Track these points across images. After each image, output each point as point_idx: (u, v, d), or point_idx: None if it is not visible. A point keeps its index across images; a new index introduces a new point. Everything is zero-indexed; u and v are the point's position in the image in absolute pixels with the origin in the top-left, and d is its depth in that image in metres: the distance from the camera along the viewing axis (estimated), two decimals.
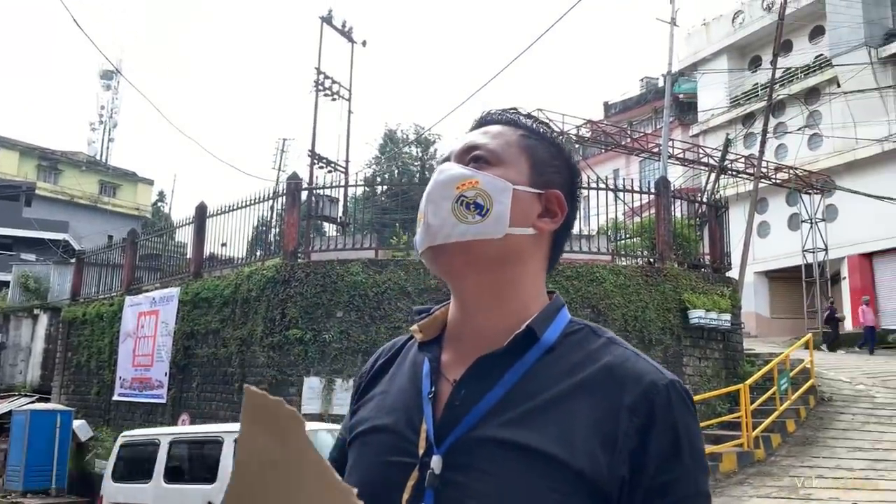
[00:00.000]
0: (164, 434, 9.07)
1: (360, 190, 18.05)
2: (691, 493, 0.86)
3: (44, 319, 22.17)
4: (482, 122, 1.03)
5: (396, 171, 46.57)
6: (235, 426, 9.11)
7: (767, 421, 10.97)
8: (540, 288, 1.01)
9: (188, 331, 13.29)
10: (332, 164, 17.50)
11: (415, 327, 1.00)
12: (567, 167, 1.02)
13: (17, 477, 13.86)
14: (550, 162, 1.00)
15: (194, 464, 8.69)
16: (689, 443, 0.87)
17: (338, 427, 1.16)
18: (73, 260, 27.64)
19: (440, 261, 0.96)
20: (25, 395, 19.57)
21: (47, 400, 17.85)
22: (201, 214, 14.11)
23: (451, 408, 0.91)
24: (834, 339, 20.48)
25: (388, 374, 1.03)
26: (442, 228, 0.94)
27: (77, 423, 14.91)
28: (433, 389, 0.93)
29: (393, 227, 14.35)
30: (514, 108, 1.02)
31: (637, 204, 12.84)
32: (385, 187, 41.91)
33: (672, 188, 13.64)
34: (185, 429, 9.98)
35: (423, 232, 0.96)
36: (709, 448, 10.63)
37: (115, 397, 15.06)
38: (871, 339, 18.94)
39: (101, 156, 48.39)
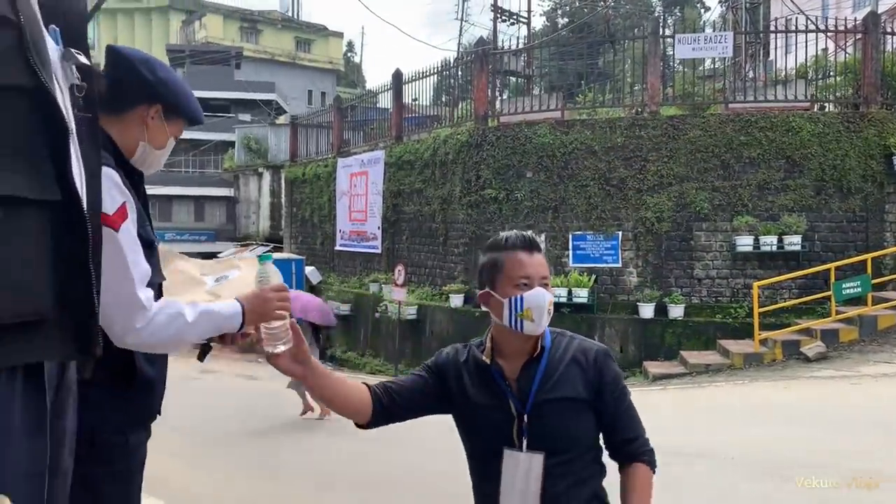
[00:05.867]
0: None
1: (543, 26, 18.04)
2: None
3: (267, 176, 25.06)
4: (534, 248, 1.87)
5: (577, 2, 44.63)
6: None
7: None
8: None
9: (395, 190, 14.76)
10: (515, 17, 17.57)
11: (484, 357, 1.89)
12: None
13: None
14: None
15: None
16: (614, 370, 1.89)
17: None
18: (280, 119, 30.33)
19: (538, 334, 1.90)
20: (261, 244, 22.74)
21: (280, 248, 20.71)
22: (398, 81, 15.10)
23: (521, 391, 1.84)
24: None
25: (465, 370, 1.93)
26: (545, 326, 1.86)
27: (308, 270, 17.41)
28: (508, 383, 1.86)
29: (578, 82, 14.51)
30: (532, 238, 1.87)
31: (840, 35, 11.93)
32: (566, 20, 40.49)
33: (884, 20, 12.48)
34: None
35: (536, 327, 1.83)
36: None
37: (337, 247, 17.25)
38: None
39: (293, 12, 50.64)
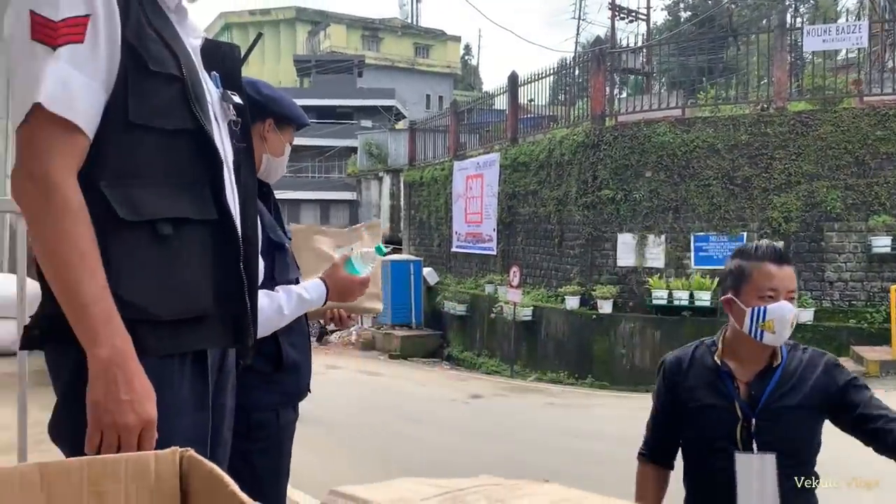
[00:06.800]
0: None
1: (665, 20, 17.60)
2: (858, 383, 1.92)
3: (387, 180, 25.77)
4: (784, 261, 1.88)
5: None
6: None
7: None
8: None
9: (510, 192, 14.88)
10: (634, 14, 17.27)
11: (715, 358, 1.96)
12: None
13: (385, 314, 17.23)
14: None
15: None
16: (847, 372, 1.93)
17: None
18: (399, 124, 31.13)
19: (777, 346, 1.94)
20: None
21: (399, 250, 21.28)
22: (513, 83, 15.21)
23: (751, 395, 1.89)
24: None
25: (690, 372, 1.98)
26: (786, 339, 1.89)
27: (426, 271, 17.82)
28: (737, 386, 1.91)
29: (700, 79, 14.10)
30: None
31: None
32: (689, 14, 39.17)
33: None
34: None
35: (777, 339, 1.88)
36: None
37: (454, 249, 17.56)
38: None
39: (412, 18, 51.72)
